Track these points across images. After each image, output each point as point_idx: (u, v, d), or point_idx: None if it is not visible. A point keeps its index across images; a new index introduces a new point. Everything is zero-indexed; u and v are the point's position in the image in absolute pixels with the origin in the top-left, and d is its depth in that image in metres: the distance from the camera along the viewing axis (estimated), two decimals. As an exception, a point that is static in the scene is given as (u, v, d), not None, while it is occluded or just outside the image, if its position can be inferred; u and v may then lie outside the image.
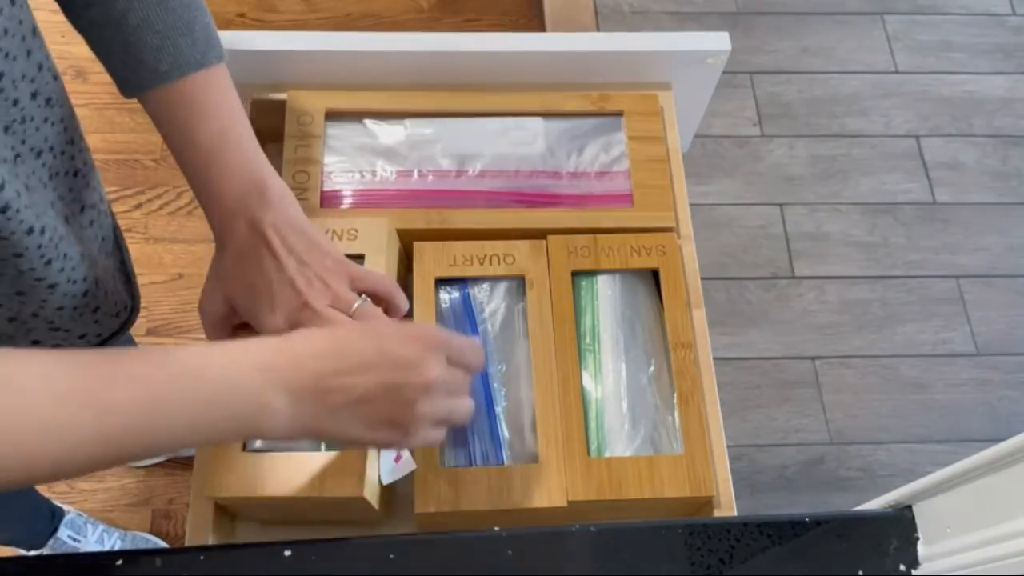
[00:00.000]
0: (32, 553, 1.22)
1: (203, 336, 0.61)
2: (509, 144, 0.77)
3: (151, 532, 1.35)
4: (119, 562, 0.55)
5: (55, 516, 1.25)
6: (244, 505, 0.64)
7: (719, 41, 0.80)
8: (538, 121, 0.78)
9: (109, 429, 0.42)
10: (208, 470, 0.60)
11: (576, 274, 0.71)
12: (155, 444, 0.44)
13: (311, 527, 0.68)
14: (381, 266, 0.68)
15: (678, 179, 0.77)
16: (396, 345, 0.50)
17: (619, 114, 0.79)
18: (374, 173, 0.75)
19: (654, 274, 0.73)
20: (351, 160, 0.76)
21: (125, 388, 0.42)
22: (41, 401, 0.40)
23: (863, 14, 1.89)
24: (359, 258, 0.68)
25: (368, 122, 0.78)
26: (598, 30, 1.81)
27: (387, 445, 0.56)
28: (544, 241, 0.72)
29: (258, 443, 0.61)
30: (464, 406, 0.55)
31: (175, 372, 0.44)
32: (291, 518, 0.68)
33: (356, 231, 0.69)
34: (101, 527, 1.31)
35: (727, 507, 0.65)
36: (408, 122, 0.78)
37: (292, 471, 0.60)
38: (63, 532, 1.24)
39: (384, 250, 0.68)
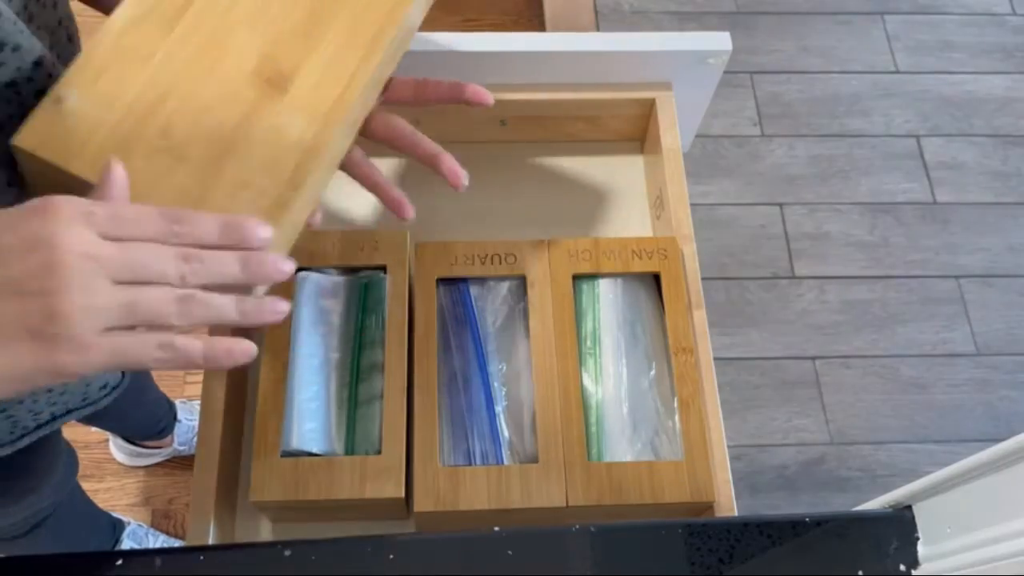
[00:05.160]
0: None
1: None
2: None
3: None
4: (119, 562, 0.55)
5: (116, 528, 1.24)
6: (284, 508, 0.65)
7: (720, 41, 0.79)
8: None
9: None
10: (253, 477, 0.62)
11: (577, 278, 0.71)
12: None
13: (315, 525, 0.68)
14: (403, 278, 0.68)
15: (678, 179, 0.77)
16: (6, 224, 0.37)
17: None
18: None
19: (655, 277, 0.73)
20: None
21: None
22: None
23: (863, 14, 1.89)
24: (381, 268, 0.69)
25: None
26: (598, 30, 1.81)
27: (45, 372, 0.36)
28: (545, 240, 0.72)
29: (294, 444, 0.63)
30: (155, 296, 0.38)
31: None
32: (326, 517, 0.69)
33: (377, 242, 0.70)
34: (162, 537, 1.31)
35: (727, 512, 0.65)
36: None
37: (333, 474, 0.62)
38: (126, 543, 1.24)
39: (407, 262, 0.69)
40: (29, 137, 0.44)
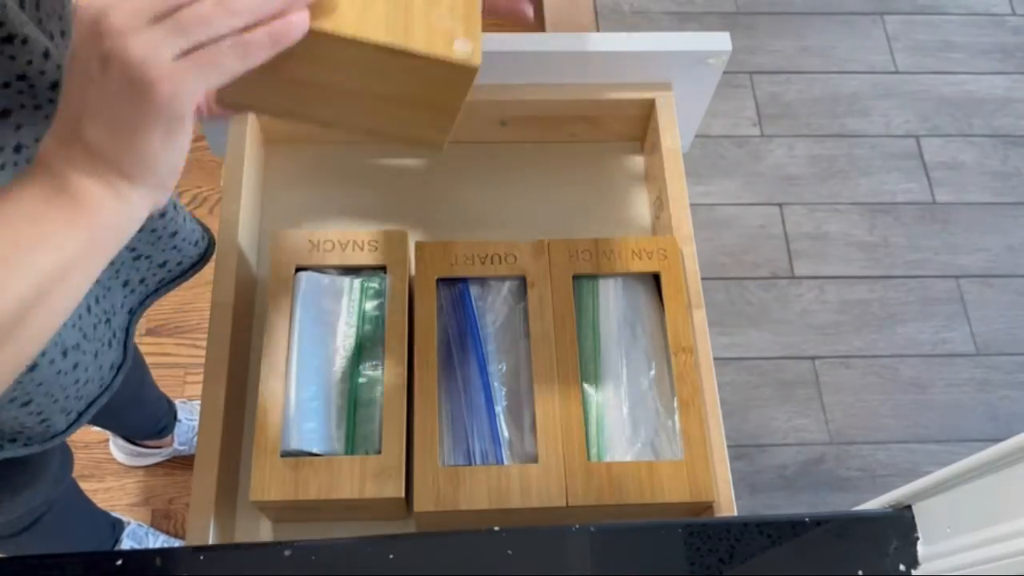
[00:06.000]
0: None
1: (204, 336, 0.62)
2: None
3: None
4: (119, 562, 0.55)
5: (116, 528, 1.25)
6: (284, 508, 0.65)
7: (720, 41, 0.79)
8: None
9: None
10: (253, 477, 0.62)
11: (577, 278, 0.71)
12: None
13: (315, 525, 0.68)
14: (403, 279, 0.68)
15: (678, 179, 0.77)
16: (78, 27, 0.39)
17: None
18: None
19: (655, 277, 0.73)
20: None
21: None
22: None
23: (863, 14, 1.89)
24: (381, 268, 0.69)
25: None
26: (598, 30, 1.81)
27: (161, 116, 0.39)
28: (545, 240, 0.72)
29: (294, 444, 0.63)
30: (193, 9, 0.39)
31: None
32: (326, 517, 0.69)
33: (377, 242, 0.70)
34: (162, 537, 1.31)
35: (727, 512, 0.65)
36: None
37: (333, 474, 0.62)
38: (126, 543, 1.24)
39: (407, 262, 0.69)
40: None
